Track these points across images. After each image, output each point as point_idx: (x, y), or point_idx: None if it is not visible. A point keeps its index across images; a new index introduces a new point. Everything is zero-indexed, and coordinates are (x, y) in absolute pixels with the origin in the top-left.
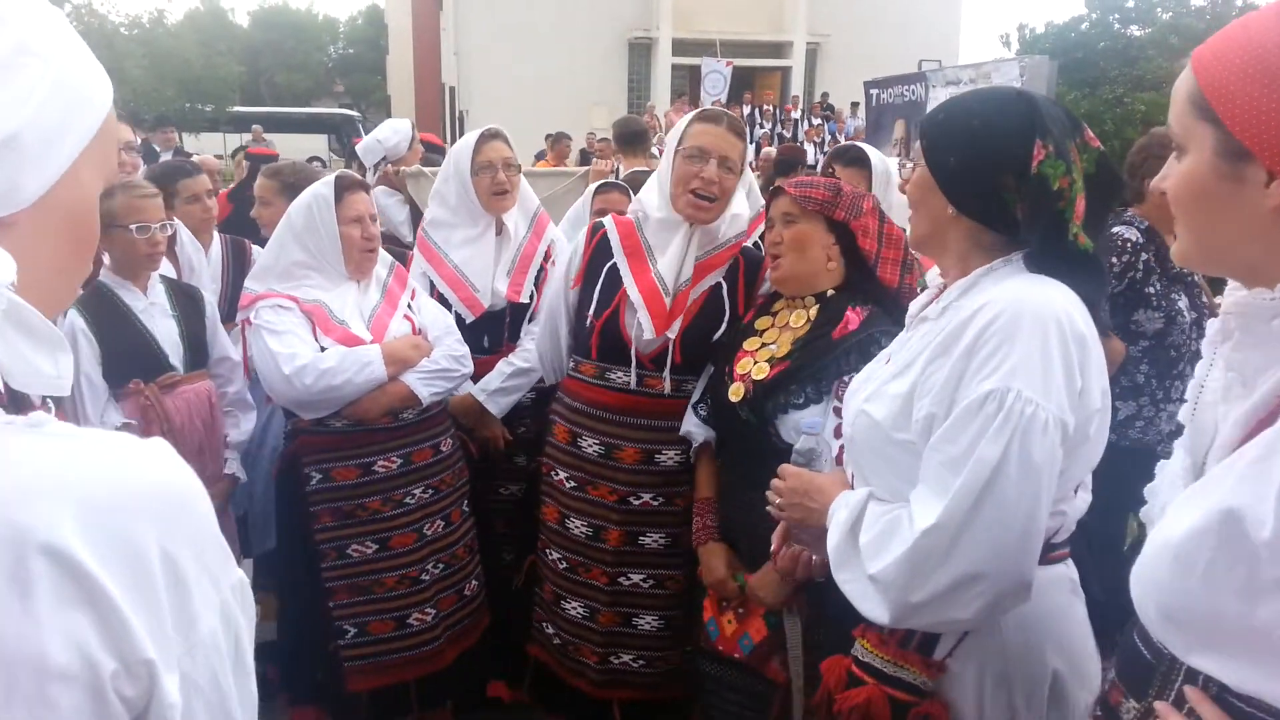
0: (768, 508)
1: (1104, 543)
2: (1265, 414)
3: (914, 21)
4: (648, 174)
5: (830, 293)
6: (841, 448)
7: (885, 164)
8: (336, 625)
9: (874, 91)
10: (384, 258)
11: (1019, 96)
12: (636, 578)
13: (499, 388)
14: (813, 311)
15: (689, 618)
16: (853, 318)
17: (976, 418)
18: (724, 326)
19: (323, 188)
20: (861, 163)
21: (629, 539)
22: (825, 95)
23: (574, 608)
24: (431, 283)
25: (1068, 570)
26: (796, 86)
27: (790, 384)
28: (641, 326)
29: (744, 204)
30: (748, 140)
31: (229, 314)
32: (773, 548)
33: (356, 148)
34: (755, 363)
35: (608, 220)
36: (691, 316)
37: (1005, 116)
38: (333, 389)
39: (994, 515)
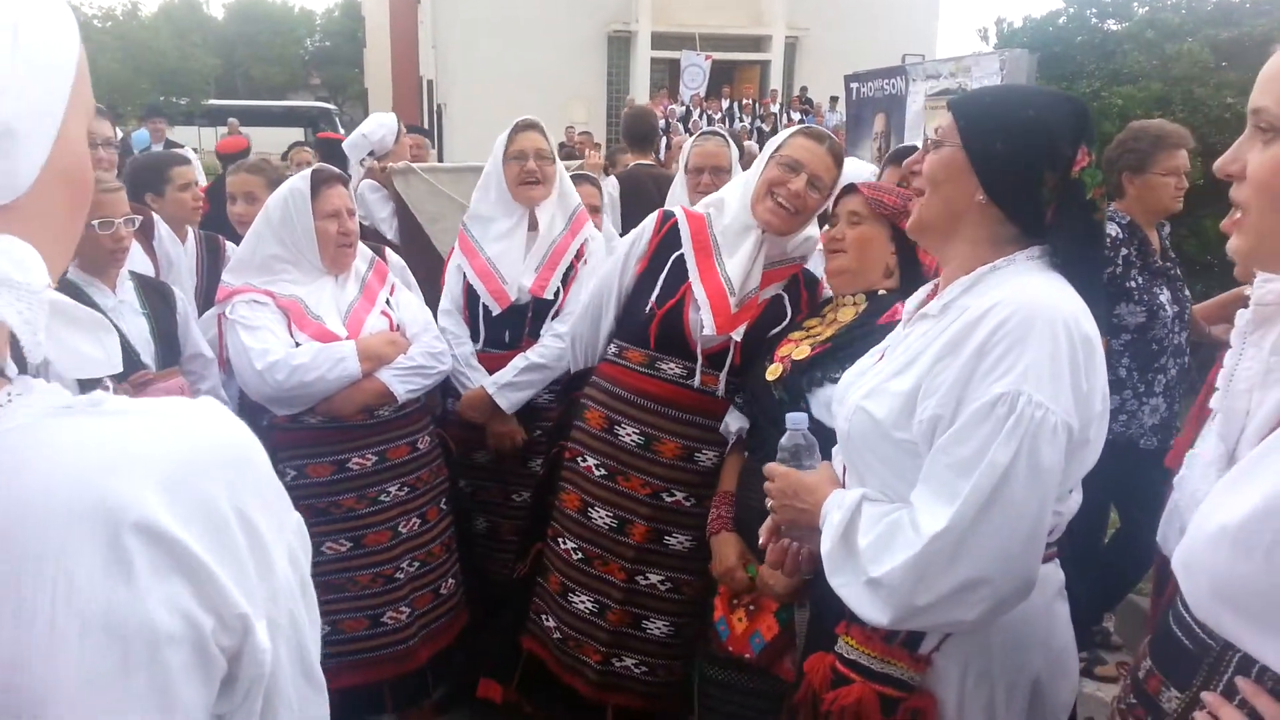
0: (767, 503)
1: (1084, 536)
2: None
3: (892, 16)
4: (651, 169)
5: (882, 292)
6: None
7: None
8: None
9: (854, 85)
10: (364, 253)
11: (1072, 99)
12: (655, 578)
13: (510, 382)
14: (862, 307)
15: (699, 628)
16: (901, 309)
17: (987, 421)
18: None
19: (299, 182)
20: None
21: (654, 536)
22: (804, 89)
23: (583, 601)
24: (464, 274)
25: (1055, 571)
26: (775, 80)
27: (829, 361)
28: (704, 322)
29: (816, 228)
30: (841, 169)
31: (203, 310)
32: (760, 541)
33: (344, 145)
34: (797, 345)
35: (678, 210)
36: (753, 322)
37: (1058, 114)
38: (305, 385)
39: (1002, 519)
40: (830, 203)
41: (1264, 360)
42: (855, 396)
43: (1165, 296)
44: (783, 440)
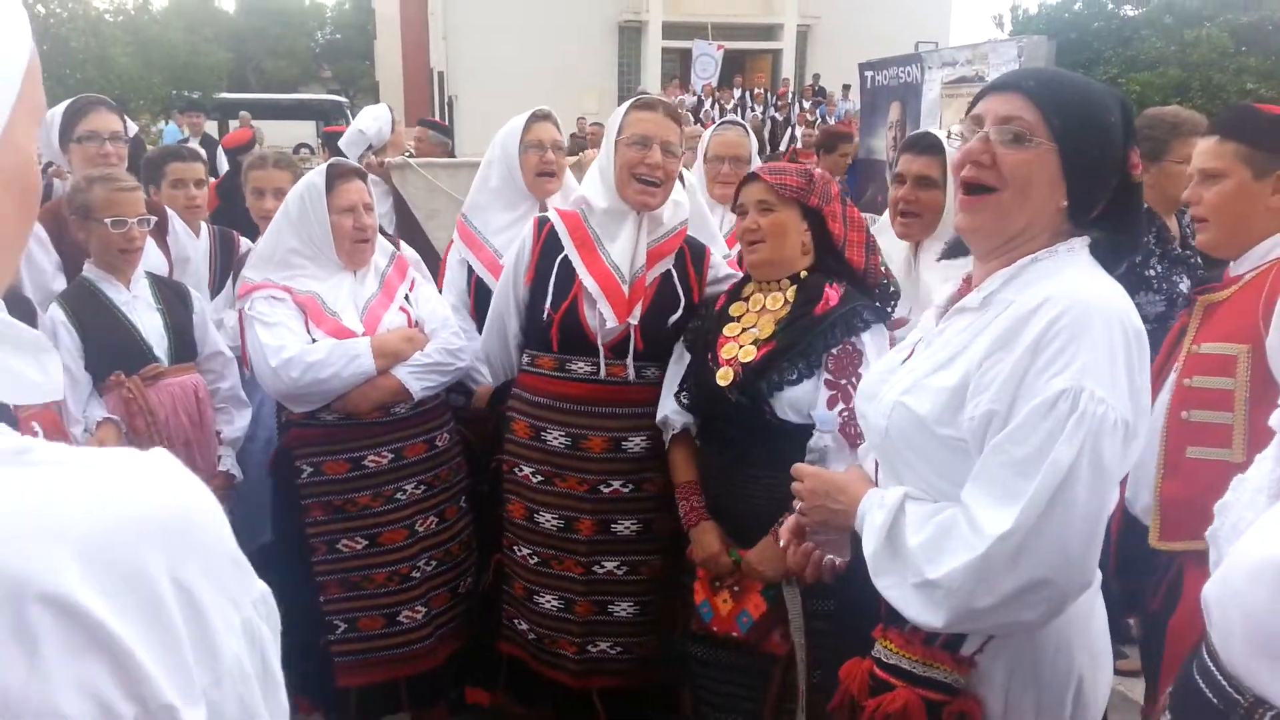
0: (795, 505)
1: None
2: None
3: (905, 3)
4: None
5: (804, 274)
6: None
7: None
8: (327, 620)
9: (869, 74)
10: (384, 248)
11: (1118, 96)
12: (610, 565)
13: None
14: (790, 293)
15: (667, 603)
16: (832, 294)
17: (1048, 418)
18: (679, 312)
19: (315, 176)
20: (935, 149)
21: (601, 527)
22: (816, 77)
23: (548, 601)
24: (469, 267)
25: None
26: (787, 69)
27: (781, 362)
28: (603, 316)
29: (681, 191)
30: (679, 122)
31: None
32: (782, 543)
33: (339, 142)
34: (740, 346)
35: (552, 214)
36: (647, 304)
37: (1122, 119)
38: (319, 382)
39: (1064, 519)
40: (735, 193)
41: None
42: (892, 393)
43: (1185, 285)
44: (811, 441)
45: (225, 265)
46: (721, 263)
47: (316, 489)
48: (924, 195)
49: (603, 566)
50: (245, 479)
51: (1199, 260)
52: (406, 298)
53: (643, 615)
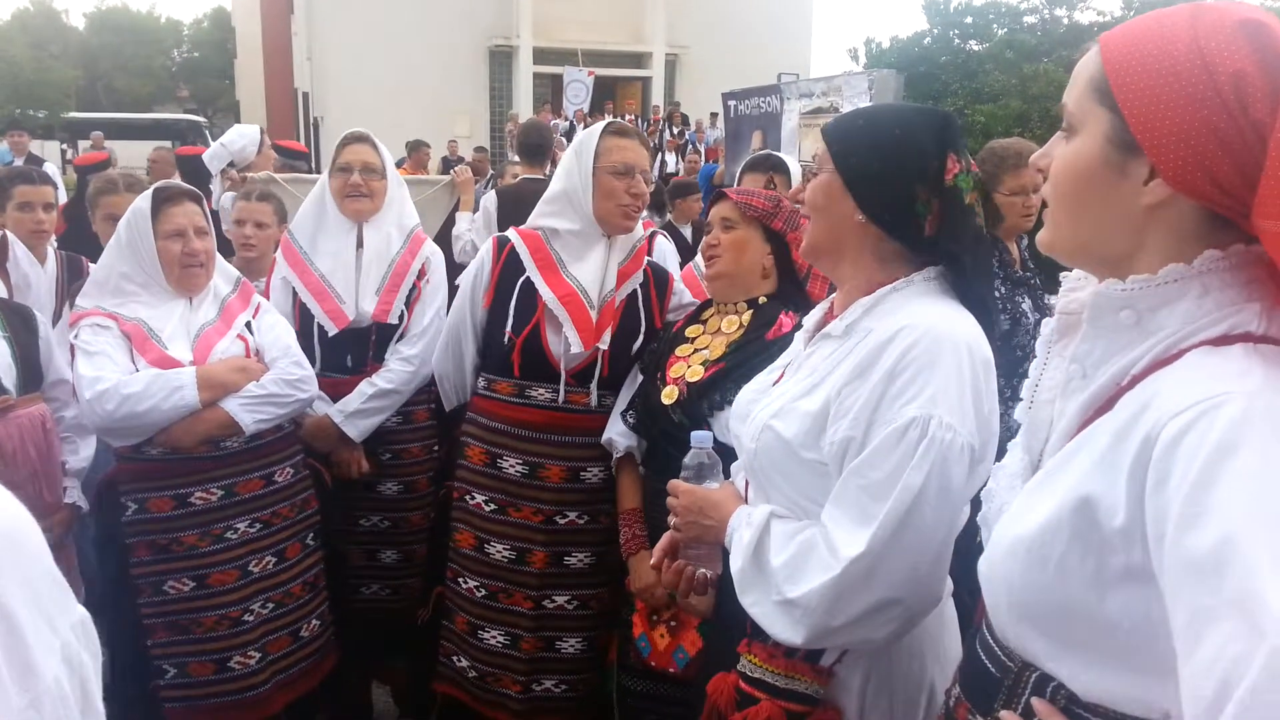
0: (670, 520)
1: (965, 541)
2: (1102, 403)
3: (768, 35)
4: (540, 183)
5: (763, 299)
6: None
7: (799, 171)
8: (156, 664)
9: (731, 103)
10: (228, 272)
11: (935, 112)
12: (561, 599)
13: (358, 409)
14: (745, 317)
15: (606, 635)
16: (786, 321)
17: (900, 444)
18: (641, 339)
19: (142, 200)
20: (779, 169)
21: (554, 560)
22: (677, 104)
23: (494, 637)
24: (293, 291)
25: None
26: (657, 97)
27: (725, 383)
28: (569, 341)
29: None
30: (647, 148)
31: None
32: (652, 561)
33: (203, 156)
34: (689, 366)
35: (513, 234)
36: (614, 328)
37: (924, 128)
38: (135, 415)
39: (913, 541)
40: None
41: (1065, 369)
42: (762, 415)
43: (1027, 305)
44: (686, 458)
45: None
46: (685, 290)
47: (141, 527)
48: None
49: (553, 601)
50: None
51: (1039, 281)
52: (248, 325)
53: (589, 650)
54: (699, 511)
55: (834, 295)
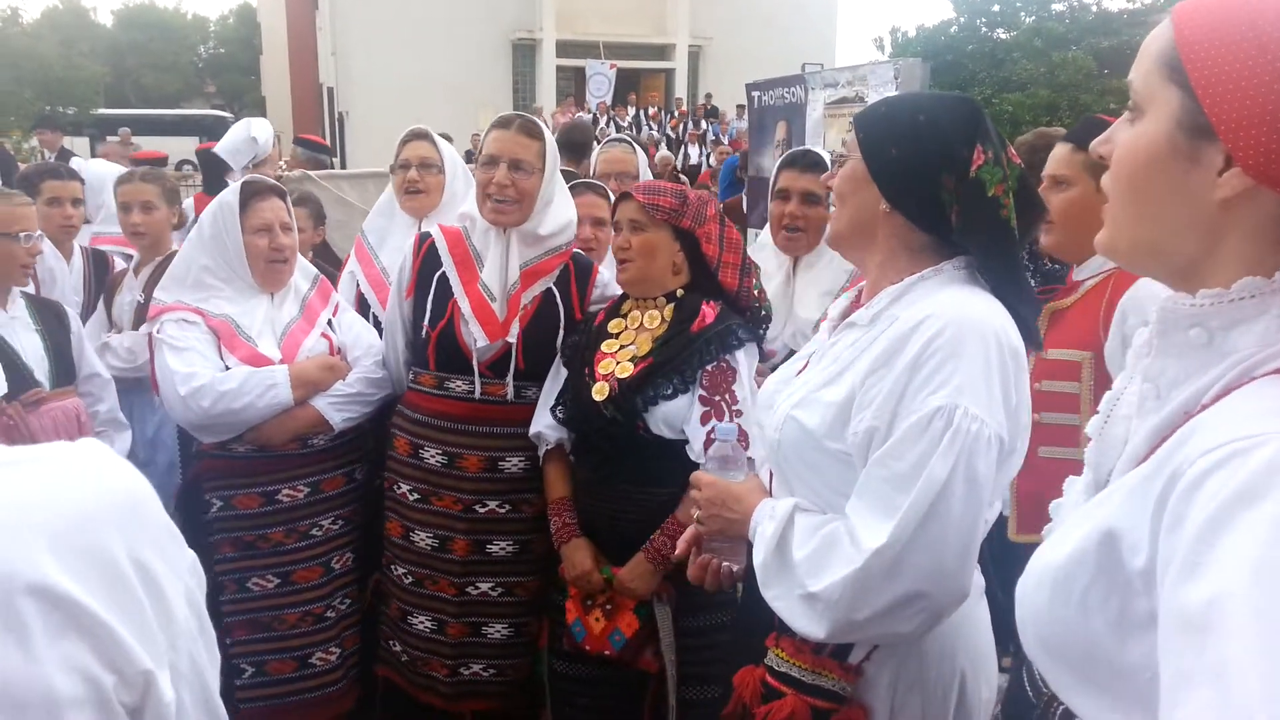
0: (693, 513)
1: (999, 537)
2: (1169, 430)
3: (793, 25)
4: (576, 176)
5: (680, 292)
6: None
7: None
8: (233, 663)
9: (755, 94)
10: (306, 269)
11: (964, 100)
12: (485, 586)
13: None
14: (666, 311)
15: (536, 623)
16: (708, 312)
17: (924, 434)
18: (561, 332)
19: (229, 194)
20: (819, 167)
21: (476, 548)
22: (709, 97)
23: (421, 622)
24: (357, 282)
25: (977, 575)
26: (680, 89)
27: (657, 378)
28: (474, 335)
29: (566, 207)
30: (545, 140)
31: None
32: (676, 554)
33: (217, 147)
34: (618, 363)
35: (434, 229)
36: (527, 322)
37: (951, 117)
38: (232, 412)
39: (939, 533)
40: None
41: (1139, 387)
42: (785, 405)
43: None
44: (710, 450)
45: (100, 287)
46: (610, 280)
47: (226, 524)
48: (810, 211)
49: (477, 588)
50: None
51: (1037, 270)
52: (330, 323)
53: (517, 637)
54: (722, 504)
55: (861, 284)
